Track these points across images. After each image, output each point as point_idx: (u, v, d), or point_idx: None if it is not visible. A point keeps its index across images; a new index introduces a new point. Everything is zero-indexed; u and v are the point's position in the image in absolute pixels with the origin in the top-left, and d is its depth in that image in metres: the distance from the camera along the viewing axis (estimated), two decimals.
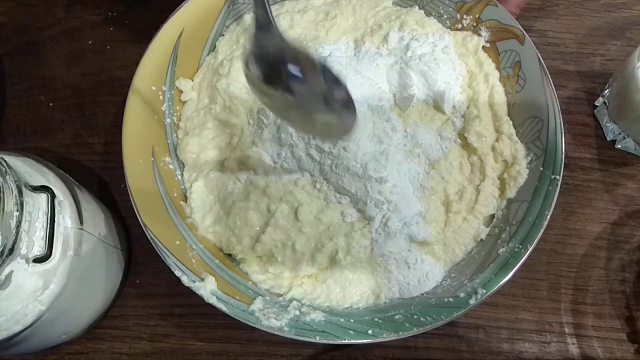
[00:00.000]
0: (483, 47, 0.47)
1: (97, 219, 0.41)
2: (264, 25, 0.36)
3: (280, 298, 0.41)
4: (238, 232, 0.42)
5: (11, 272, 0.32)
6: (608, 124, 0.49)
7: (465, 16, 0.48)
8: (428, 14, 0.49)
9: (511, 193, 0.43)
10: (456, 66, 0.46)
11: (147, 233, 0.40)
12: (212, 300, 0.39)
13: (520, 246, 0.40)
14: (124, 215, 0.48)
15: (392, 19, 0.48)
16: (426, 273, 0.42)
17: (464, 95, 0.46)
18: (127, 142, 0.42)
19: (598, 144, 0.50)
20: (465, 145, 0.45)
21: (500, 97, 0.46)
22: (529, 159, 0.43)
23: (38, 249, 0.33)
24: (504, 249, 0.41)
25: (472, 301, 0.39)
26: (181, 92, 0.47)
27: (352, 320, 0.40)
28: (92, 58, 0.53)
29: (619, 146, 0.49)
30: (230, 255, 0.43)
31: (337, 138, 0.39)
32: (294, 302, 0.41)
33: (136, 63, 0.44)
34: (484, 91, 0.46)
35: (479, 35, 0.47)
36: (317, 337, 0.38)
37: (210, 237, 0.43)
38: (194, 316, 0.45)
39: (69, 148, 0.50)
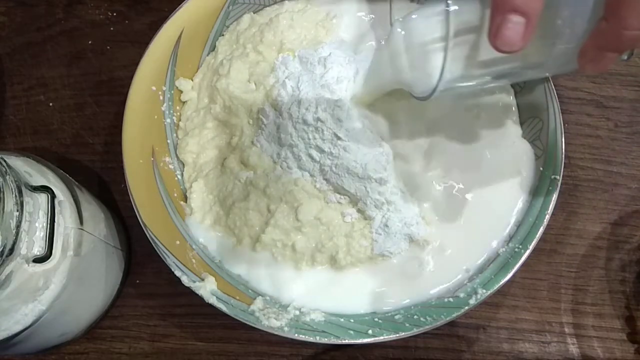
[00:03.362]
0: None
1: (97, 219, 0.41)
2: None
3: None
4: (238, 232, 0.42)
5: (11, 272, 0.32)
6: None
7: None
8: None
9: None
10: None
11: (147, 233, 0.40)
12: (212, 300, 0.39)
13: (520, 246, 0.40)
14: (124, 215, 0.48)
15: None
16: None
17: None
18: (127, 142, 0.42)
19: (598, 144, 0.50)
20: None
21: None
22: None
23: (38, 249, 0.33)
24: (504, 249, 0.41)
25: (472, 301, 0.39)
26: (181, 92, 0.47)
27: (352, 320, 0.40)
28: (92, 58, 0.53)
29: None
30: None
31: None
32: (294, 302, 0.41)
33: (136, 63, 0.44)
34: None
35: None
36: (317, 337, 0.38)
37: None
38: (194, 316, 0.45)
39: (69, 148, 0.50)
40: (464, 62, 0.34)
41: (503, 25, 0.29)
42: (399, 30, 0.37)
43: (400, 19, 0.37)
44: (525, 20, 0.28)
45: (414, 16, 0.37)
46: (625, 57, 0.33)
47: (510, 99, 0.45)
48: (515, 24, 0.29)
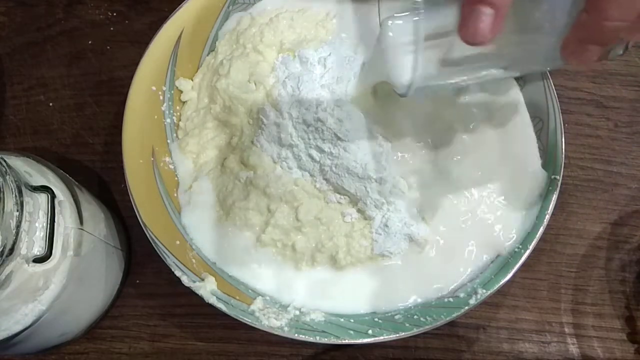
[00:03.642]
0: None
1: (97, 219, 0.41)
2: None
3: None
4: (238, 231, 0.42)
5: (11, 272, 0.32)
6: None
7: None
8: None
9: None
10: None
11: (147, 233, 0.40)
12: (212, 300, 0.39)
13: (520, 246, 0.40)
14: (124, 215, 0.48)
15: None
16: None
17: None
18: (127, 142, 0.42)
19: (598, 144, 0.50)
20: None
21: None
22: None
23: (38, 249, 0.33)
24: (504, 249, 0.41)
25: (472, 301, 0.39)
26: (181, 92, 0.47)
27: (352, 320, 0.40)
28: (92, 58, 0.53)
29: None
30: None
31: None
32: (294, 302, 0.41)
33: (136, 63, 0.44)
34: None
35: None
36: (317, 337, 0.38)
37: None
38: (194, 316, 0.45)
39: (69, 148, 0.50)
40: (439, 60, 0.34)
41: (471, 17, 0.29)
42: (381, 29, 0.38)
43: (385, 19, 0.38)
44: (494, 11, 0.28)
45: (391, 20, 0.37)
46: (620, 52, 0.33)
47: (517, 97, 0.45)
48: (483, 16, 0.28)
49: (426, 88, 0.36)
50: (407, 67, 0.35)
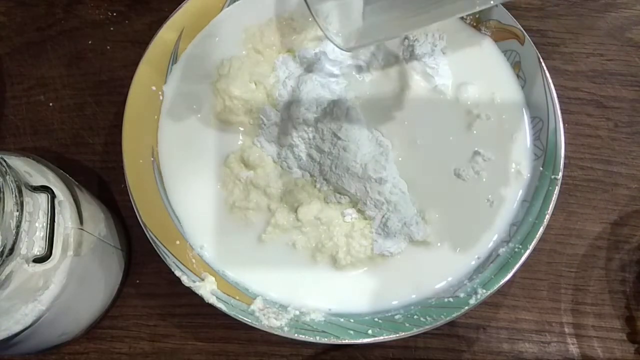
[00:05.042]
0: None
1: (97, 219, 0.41)
2: None
3: None
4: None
5: (11, 272, 0.31)
6: None
7: (465, 16, 0.48)
8: None
9: None
10: None
11: (147, 233, 0.40)
12: (212, 300, 0.39)
13: (520, 246, 0.40)
14: (124, 215, 0.48)
15: None
16: None
17: None
18: (127, 142, 0.42)
19: (598, 144, 0.50)
20: None
21: None
22: None
23: (38, 249, 0.33)
24: (504, 249, 0.41)
25: (472, 301, 0.39)
26: None
27: (352, 320, 0.40)
28: (92, 58, 0.53)
29: None
30: None
31: None
32: (294, 302, 0.41)
33: (136, 63, 0.44)
34: None
35: None
36: (317, 337, 0.38)
37: None
38: (194, 316, 0.45)
39: (69, 148, 0.50)
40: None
41: None
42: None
43: None
44: None
45: None
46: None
47: (518, 97, 0.45)
48: None
49: (364, 39, 0.37)
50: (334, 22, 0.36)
